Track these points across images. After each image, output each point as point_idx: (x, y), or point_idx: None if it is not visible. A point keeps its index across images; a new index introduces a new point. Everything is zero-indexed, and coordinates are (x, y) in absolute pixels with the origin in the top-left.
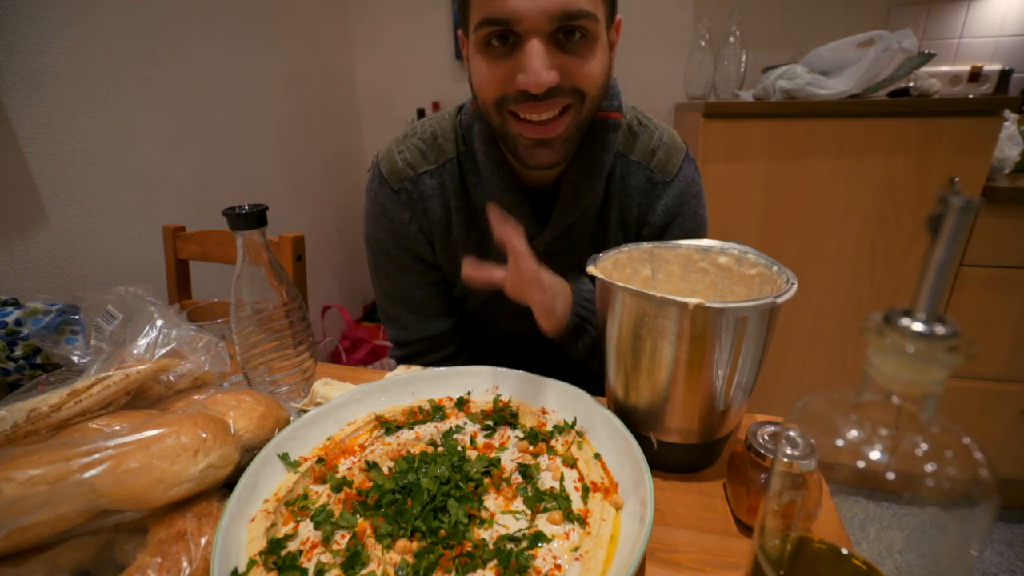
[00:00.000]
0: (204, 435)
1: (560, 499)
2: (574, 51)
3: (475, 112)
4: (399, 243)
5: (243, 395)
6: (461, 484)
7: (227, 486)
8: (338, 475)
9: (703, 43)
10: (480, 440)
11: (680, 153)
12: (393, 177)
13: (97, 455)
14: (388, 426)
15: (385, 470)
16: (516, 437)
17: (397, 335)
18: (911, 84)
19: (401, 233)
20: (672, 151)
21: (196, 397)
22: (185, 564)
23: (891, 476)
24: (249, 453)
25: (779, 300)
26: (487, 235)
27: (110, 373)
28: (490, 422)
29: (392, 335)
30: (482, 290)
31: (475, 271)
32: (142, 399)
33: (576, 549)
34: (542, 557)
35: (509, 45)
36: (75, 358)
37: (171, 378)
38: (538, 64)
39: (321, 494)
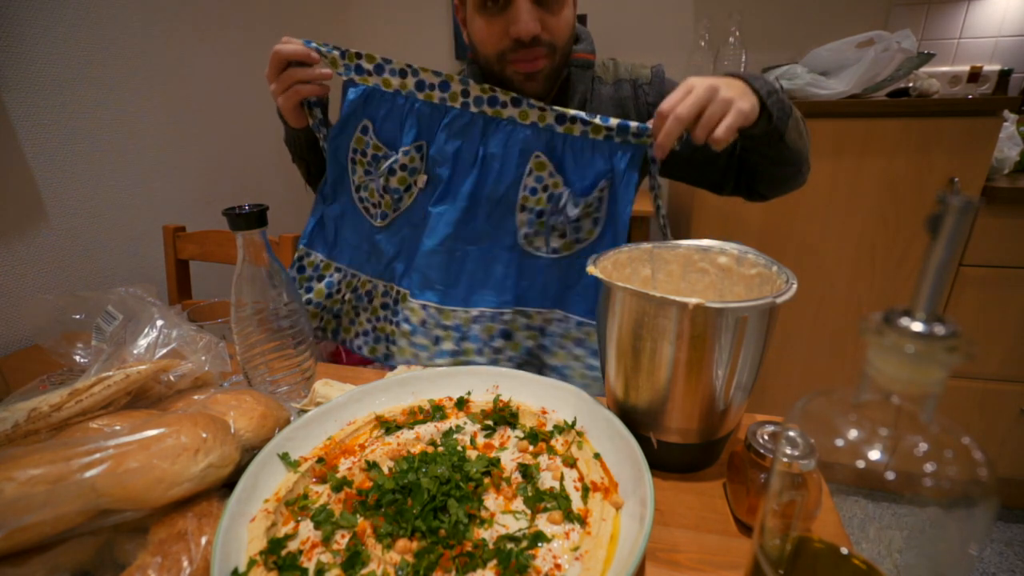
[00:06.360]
0: (204, 435)
1: (560, 499)
2: (549, 7)
3: (469, 62)
4: None
5: (243, 395)
6: (461, 484)
7: (227, 486)
8: (338, 475)
9: (703, 43)
10: (480, 440)
11: (648, 64)
12: None
13: (97, 455)
14: (388, 426)
15: (385, 470)
16: (516, 437)
17: None
18: (911, 84)
19: None
20: (642, 65)
21: (196, 397)
22: (185, 564)
23: (891, 476)
24: (249, 453)
25: (779, 300)
26: None
27: (111, 373)
28: (490, 422)
29: None
30: None
31: None
32: (142, 399)
33: (576, 549)
34: (542, 557)
35: (499, 5)
36: (76, 358)
37: (171, 378)
38: (526, 16)
39: (321, 494)
